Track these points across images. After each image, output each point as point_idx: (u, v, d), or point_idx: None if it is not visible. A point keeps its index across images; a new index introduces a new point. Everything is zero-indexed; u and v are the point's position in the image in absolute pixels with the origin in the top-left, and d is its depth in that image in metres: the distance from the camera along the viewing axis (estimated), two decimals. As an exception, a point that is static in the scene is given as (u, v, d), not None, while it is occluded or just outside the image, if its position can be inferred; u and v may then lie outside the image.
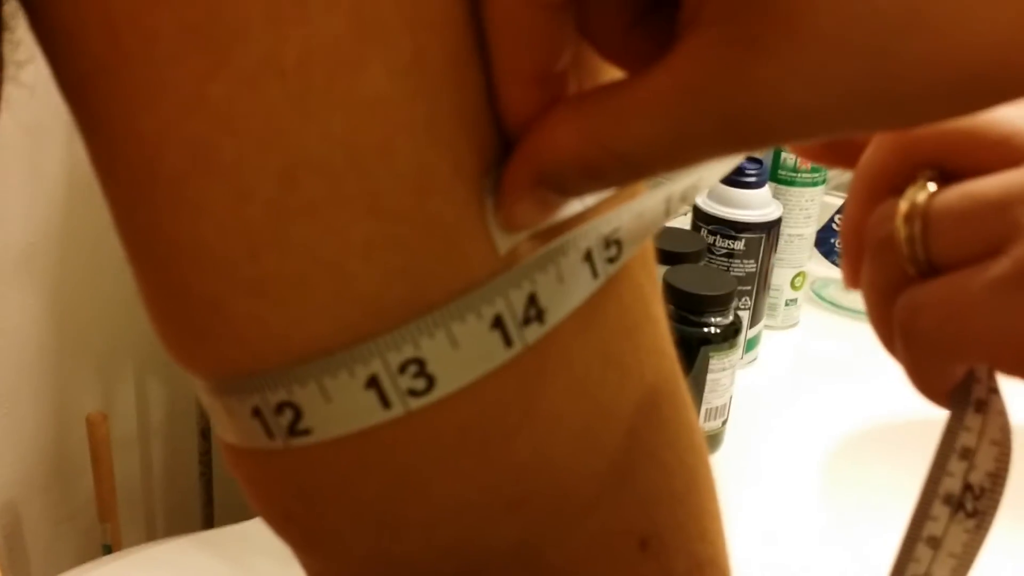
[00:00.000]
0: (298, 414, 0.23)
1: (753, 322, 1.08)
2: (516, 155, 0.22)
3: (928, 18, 0.18)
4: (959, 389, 0.24)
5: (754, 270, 1.05)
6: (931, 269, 0.23)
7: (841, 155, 0.27)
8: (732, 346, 0.90)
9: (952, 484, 0.24)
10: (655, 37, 0.22)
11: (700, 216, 1.06)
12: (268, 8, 0.20)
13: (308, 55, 0.20)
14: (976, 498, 0.24)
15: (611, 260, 0.24)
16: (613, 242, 0.24)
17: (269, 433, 0.23)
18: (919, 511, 0.24)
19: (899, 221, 0.23)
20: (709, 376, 0.90)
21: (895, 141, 0.24)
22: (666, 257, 0.95)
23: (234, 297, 0.22)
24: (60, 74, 0.22)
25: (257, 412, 0.23)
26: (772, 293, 1.13)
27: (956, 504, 0.24)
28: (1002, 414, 0.24)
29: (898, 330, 0.24)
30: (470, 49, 0.21)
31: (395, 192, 0.22)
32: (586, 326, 0.24)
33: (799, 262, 1.14)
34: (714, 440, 0.94)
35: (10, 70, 0.24)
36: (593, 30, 0.22)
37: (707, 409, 0.92)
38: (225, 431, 0.25)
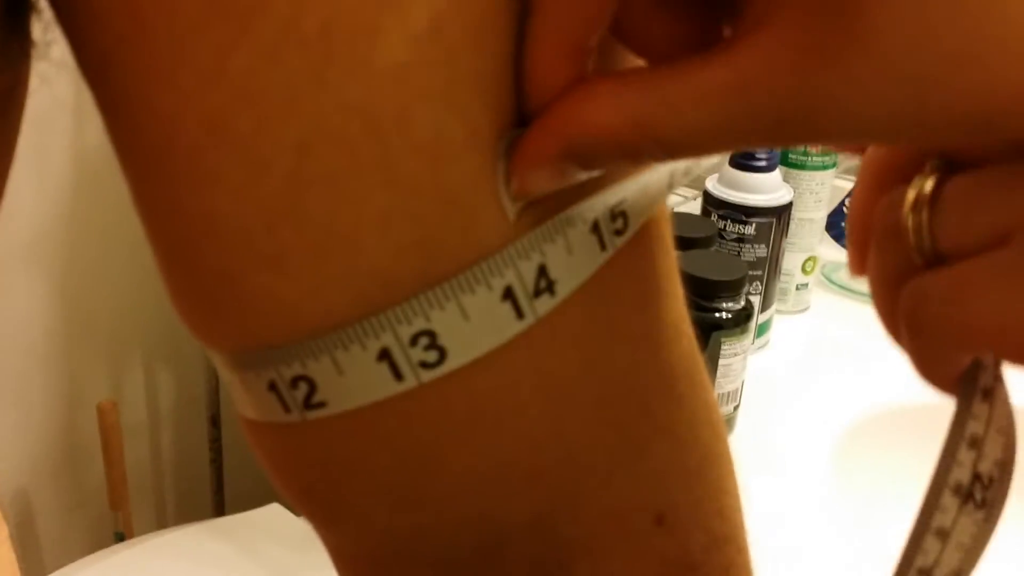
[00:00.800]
0: (313, 387, 0.23)
1: (764, 307, 1.07)
2: (543, 123, 0.22)
3: (985, 56, 0.19)
4: (965, 377, 0.24)
5: (765, 255, 1.05)
6: (937, 258, 0.23)
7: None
8: (744, 331, 0.90)
9: (961, 474, 0.23)
10: (681, 24, 0.22)
11: (710, 201, 1.06)
12: None
13: (328, 23, 0.20)
14: (985, 488, 0.23)
15: (618, 232, 0.24)
16: (619, 214, 0.24)
17: (285, 407, 0.24)
18: (928, 502, 0.24)
19: (906, 209, 0.23)
20: (721, 361, 0.90)
21: None
22: (677, 242, 0.94)
23: (250, 270, 0.22)
24: (80, 51, 0.23)
25: (273, 386, 0.23)
26: (783, 278, 1.12)
27: (965, 494, 0.23)
28: (1007, 403, 0.24)
29: (904, 319, 0.23)
30: (489, 16, 0.21)
31: (411, 162, 0.22)
32: (597, 300, 0.24)
33: (810, 246, 1.13)
34: (728, 424, 0.94)
35: (40, 49, 0.24)
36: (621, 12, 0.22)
37: (719, 394, 0.92)
38: (244, 406, 0.25)
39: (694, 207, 1.11)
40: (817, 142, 0.21)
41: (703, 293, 0.88)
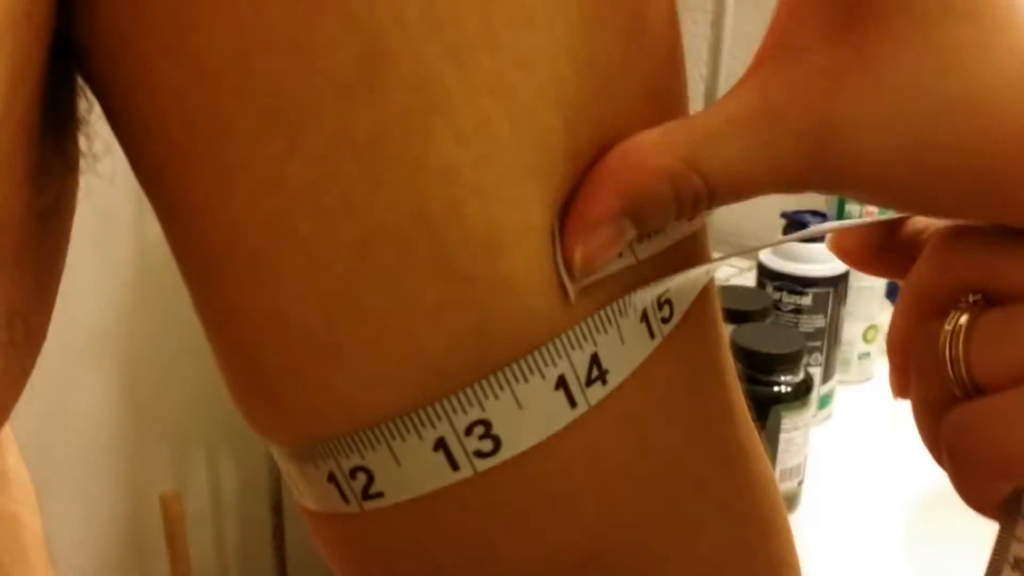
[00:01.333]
0: (371, 478, 0.23)
1: (826, 378, 1.06)
2: (595, 182, 0.23)
3: (985, 102, 0.21)
4: (1009, 500, 0.24)
5: (823, 325, 1.03)
6: (975, 389, 0.23)
7: (892, 267, 0.27)
8: (804, 404, 0.89)
9: None
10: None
11: (765, 273, 1.05)
12: (338, 88, 0.21)
13: (378, 129, 0.21)
14: None
15: (664, 320, 0.25)
16: (665, 302, 0.25)
17: (344, 497, 0.24)
18: None
19: (942, 342, 0.24)
20: (782, 435, 0.88)
21: (943, 260, 0.25)
22: (732, 316, 0.93)
23: (310, 365, 0.23)
24: (137, 161, 0.23)
25: (332, 477, 0.24)
26: (844, 347, 1.10)
27: None
28: None
29: (944, 449, 0.24)
30: (535, 113, 0.22)
31: (465, 254, 0.22)
32: (649, 383, 0.25)
33: (870, 314, 1.12)
34: (791, 501, 0.92)
35: (87, 161, 0.25)
36: None
37: (782, 470, 0.90)
38: (303, 496, 0.26)
39: (748, 279, 1.10)
40: (847, 181, 0.22)
41: (760, 366, 0.87)
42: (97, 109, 0.24)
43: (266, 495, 1.38)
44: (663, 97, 0.25)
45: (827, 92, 0.21)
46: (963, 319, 0.23)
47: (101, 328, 1.25)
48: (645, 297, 0.24)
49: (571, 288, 0.23)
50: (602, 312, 0.23)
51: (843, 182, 0.22)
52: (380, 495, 0.24)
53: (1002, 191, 0.21)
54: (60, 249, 0.26)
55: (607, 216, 0.22)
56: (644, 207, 0.22)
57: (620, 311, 0.24)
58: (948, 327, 0.24)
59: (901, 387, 0.27)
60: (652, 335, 0.24)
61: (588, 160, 0.23)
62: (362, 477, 0.24)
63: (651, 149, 0.22)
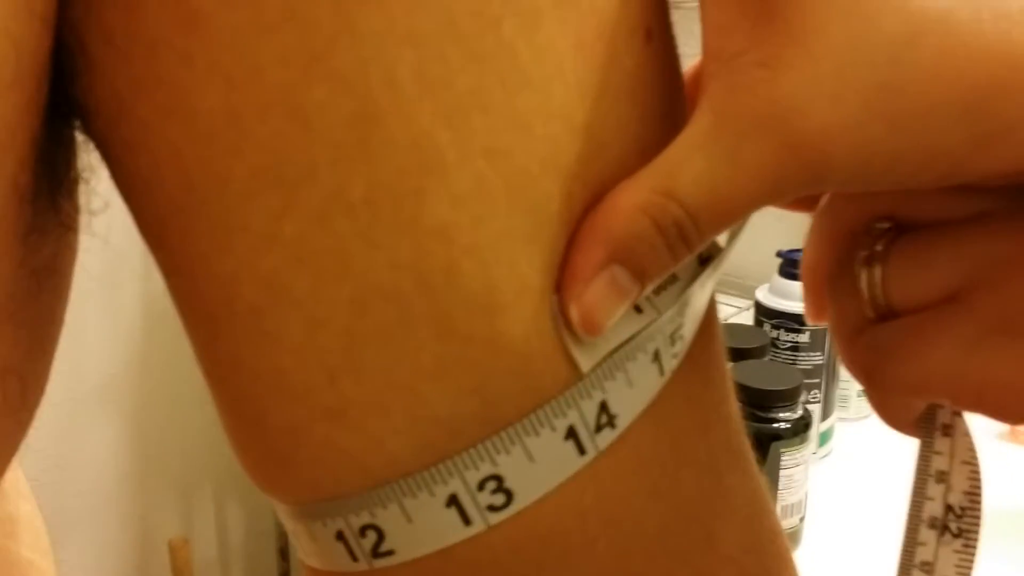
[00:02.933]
0: (381, 536, 0.23)
1: (825, 415, 1.06)
2: (581, 236, 0.22)
3: (930, 35, 0.20)
4: (924, 417, 0.25)
5: (821, 362, 1.04)
6: (890, 311, 0.24)
7: (801, 201, 0.27)
8: (803, 441, 0.89)
9: (934, 508, 0.25)
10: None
11: (762, 311, 1.06)
12: (333, 148, 0.21)
13: (373, 189, 0.21)
14: (958, 517, 0.24)
15: (675, 356, 0.24)
16: (678, 338, 0.24)
17: (353, 556, 0.24)
18: (908, 539, 0.25)
19: (858, 266, 0.24)
20: (782, 472, 0.89)
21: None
22: (730, 354, 0.94)
23: (313, 423, 0.23)
24: (139, 217, 0.23)
25: (341, 536, 0.23)
26: (842, 384, 1.11)
27: (941, 526, 0.24)
28: (967, 435, 0.25)
29: (861, 369, 0.25)
30: (529, 176, 0.22)
31: (463, 313, 0.22)
32: (659, 427, 0.24)
33: (868, 352, 1.12)
34: (792, 537, 0.92)
35: (84, 217, 0.25)
36: None
37: (783, 506, 0.90)
38: (308, 555, 0.25)
39: (746, 318, 1.11)
40: (820, 166, 0.21)
41: (759, 403, 0.88)
42: (99, 167, 0.24)
43: (273, 540, 1.39)
44: (660, 152, 0.24)
45: (768, 80, 0.21)
46: (879, 245, 0.24)
47: (109, 376, 1.26)
48: (656, 337, 0.24)
49: (582, 362, 0.23)
50: (610, 360, 0.23)
51: (824, 169, 0.21)
52: (391, 553, 0.23)
53: (991, 110, 0.20)
54: (57, 306, 0.26)
55: (594, 267, 0.22)
56: (629, 249, 0.22)
57: (629, 356, 0.23)
58: (864, 253, 0.24)
59: (816, 312, 0.28)
60: (662, 372, 0.24)
61: (580, 223, 0.23)
62: (372, 535, 0.23)
63: (621, 190, 0.22)
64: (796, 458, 0.89)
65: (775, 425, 0.88)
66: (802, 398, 0.90)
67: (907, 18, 0.20)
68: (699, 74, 0.26)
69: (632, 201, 0.22)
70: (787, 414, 0.88)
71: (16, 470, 0.42)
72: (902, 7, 0.20)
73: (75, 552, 1.27)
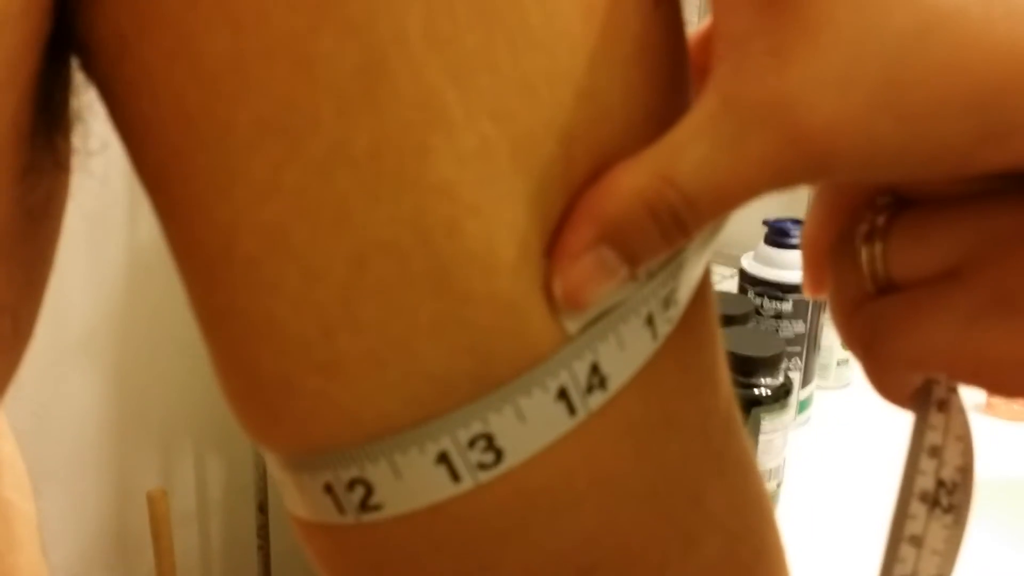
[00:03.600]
0: (369, 490, 0.23)
1: (805, 383, 1.07)
2: (574, 213, 0.22)
3: (941, 29, 0.20)
4: (920, 391, 0.25)
5: (803, 331, 1.05)
6: (890, 286, 0.24)
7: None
8: (783, 407, 0.90)
9: (925, 482, 0.25)
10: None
11: (747, 278, 1.07)
12: (338, 99, 0.21)
13: (377, 143, 0.21)
14: (950, 493, 0.25)
15: (669, 320, 0.24)
16: (672, 303, 0.24)
17: (340, 509, 0.24)
18: (898, 512, 0.25)
19: (859, 240, 0.25)
20: (761, 437, 0.90)
21: None
22: (714, 320, 0.95)
23: (306, 376, 0.23)
24: (138, 161, 0.23)
25: (329, 488, 0.24)
26: (823, 353, 1.12)
27: (932, 501, 0.25)
28: (962, 411, 0.25)
29: (858, 342, 0.25)
30: (535, 138, 0.22)
31: (463, 272, 0.22)
32: (649, 390, 0.24)
33: (849, 321, 1.13)
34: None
35: (79, 159, 0.25)
36: None
37: (761, 471, 0.91)
38: (295, 506, 0.25)
39: (731, 285, 1.12)
40: (817, 162, 0.21)
41: (742, 369, 0.89)
42: (96, 107, 0.24)
43: (252, 494, 1.39)
44: (667, 118, 0.24)
45: (775, 68, 0.21)
46: (880, 219, 0.24)
47: (90, 327, 1.26)
48: (650, 300, 0.24)
49: (569, 326, 0.23)
50: (603, 321, 0.23)
51: (828, 162, 0.21)
52: (378, 507, 0.23)
53: (999, 106, 0.20)
54: (50, 246, 0.26)
55: (583, 245, 0.22)
56: (620, 232, 0.22)
57: (621, 318, 0.23)
58: (865, 227, 0.24)
59: (814, 285, 0.28)
60: (655, 336, 0.24)
61: (583, 190, 0.23)
62: (360, 489, 0.23)
63: (620, 171, 0.22)
64: (776, 424, 0.90)
65: (756, 391, 0.89)
66: (784, 365, 0.91)
67: (917, 12, 0.20)
68: (703, 41, 0.26)
69: (629, 184, 0.22)
70: (769, 380, 0.89)
71: None
72: (913, 1, 0.20)
73: (53, 502, 1.27)
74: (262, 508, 1.39)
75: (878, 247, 0.24)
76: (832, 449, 1.05)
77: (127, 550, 1.36)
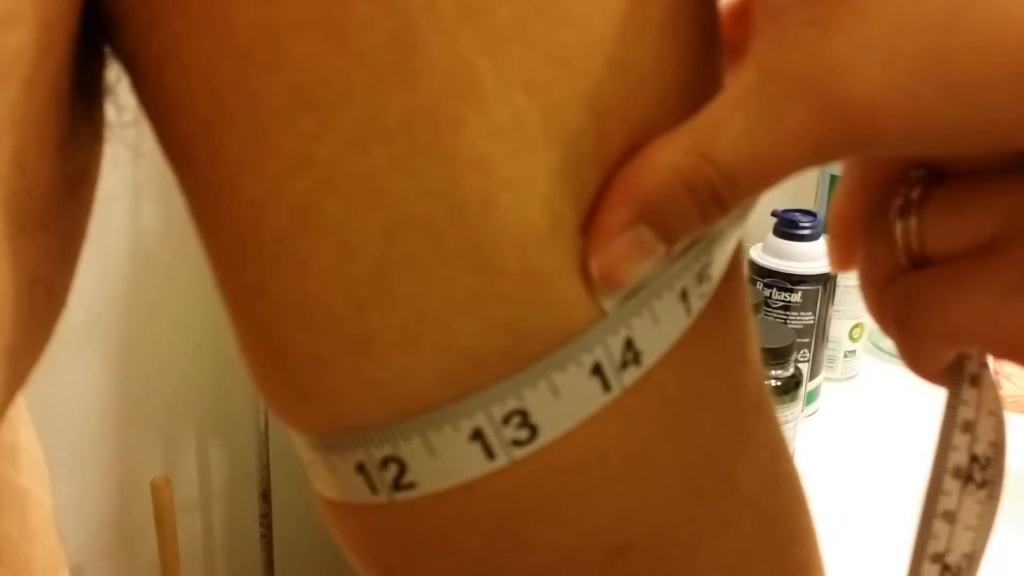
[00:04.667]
0: (403, 468, 0.23)
1: (813, 374, 1.07)
2: (610, 191, 0.22)
3: None
4: (953, 366, 0.25)
5: (812, 322, 1.04)
6: (925, 261, 0.24)
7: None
8: (793, 399, 0.90)
9: (959, 457, 0.25)
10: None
11: (755, 270, 1.06)
12: (370, 72, 0.20)
13: (409, 115, 0.21)
14: (983, 468, 0.24)
15: (702, 296, 0.24)
16: (706, 278, 0.24)
17: (373, 488, 0.24)
18: (931, 488, 0.25)
19: (894, 214, 0.24)
20: (770, 430, 0.89)
21: None
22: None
23: (339, 353, 0.22)
24: (165, 137, 0.23)
25: (361, 467, 0.23)
26: (830, 345, 1.12)
27: (965, 476, 0.24)
28: (993, 387, 0.25)
29: (892, 317, 0.24)
30: (568, 110, 0.22)
31: (497, 246, 0.22)
32: (683, 367, 0.24)
33: (857, 313, 1.13)
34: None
35: (114, 131, 0.25)
36: None
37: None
38: (325, 486, 0.25)
39: (739, 276, 1.11)
40: (862, 135, 0.21)
41: (750, 362, 0.88)
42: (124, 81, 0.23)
43: (255, 482, 1.39)
44: (700, 91, 0.24)
45: (817, 40, 0.20)
46: (915, 193, 0.24)
47: (94, 315, 1.25)
48: (684, 275, 0.23)
49: (604, 301, 0.23)
50: (637, 297, 0.23)
51: (871, 135, 0.21)
52: (412, 486, 0.23)
53: None
54: (84, 218, 0.25)
55: (620, 225, 0.22)
56: (658, 210, 0.22)
57: (655, 293, 0.23)
58: (899, 201, 0.24)
59: (841, 259, 0.28)
60: (689, 312, 0.24)
61: (617, 163, 0.22)
62: (393, 467, 0.23)
63: (656, 147, 0.22)
64: (785, 416, 0.90)
65: (766, 382, 0.88)
66: (793, 356, 0.90)
67: None
68: (737, 15, 0.26)
69: (665, 160, 0.22)
70: (779, 372, 0.89)
71: (18, 397, 0.42)
72: None
73: (57, 491, 1.26)
74: (265, 496, 1.39)
75: (913, 221, 0.24)
76: (840, 440, 1.05)
77: (130, 538, 1.36)
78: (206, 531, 1.45)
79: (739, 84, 0.21)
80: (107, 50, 0.23)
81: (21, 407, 0.43)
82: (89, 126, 0.24)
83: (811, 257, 1.04)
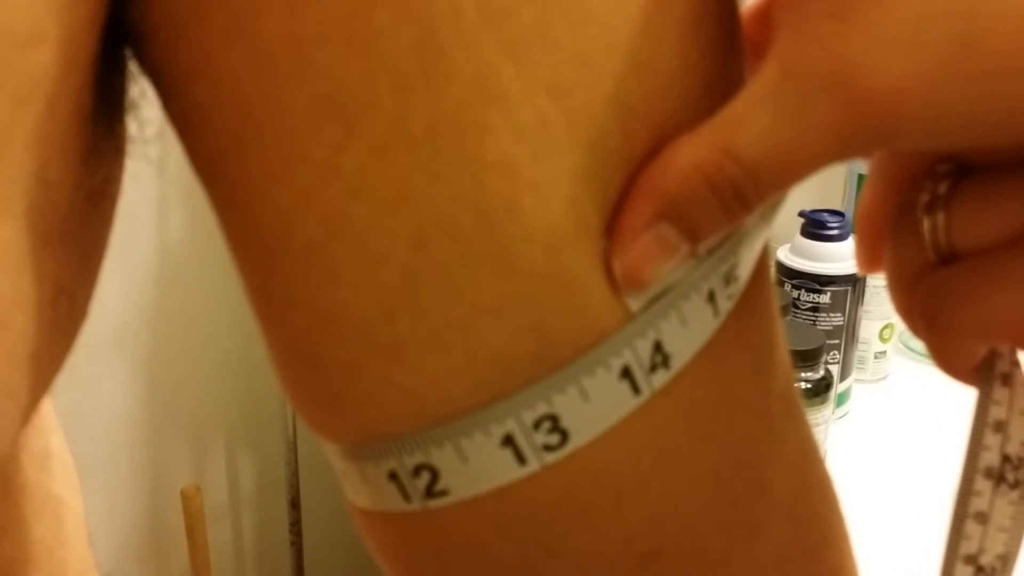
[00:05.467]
0: (435, 476, 0.23)
1: (843, 376, 1.06)
2: (634, 189, 0.22)
3: None
4: (984, 365, 0.25)
5: (841, 323, 1.04)
6: (952, 256, 0.24)
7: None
8: (824, 401, 0.89)
9: (990, 457, 0.24)
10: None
11: (783, 271, 1.05)
12: (395, 78, 0.20)
13: (435, 121, 0.21)
14: (1015, 468, 0.24)
15: (730, 297, 0.24)
16: (733, 278, 0.24)
17: (406, 496, 0.24)
18: (963, 488, 0.24)
19: (921, 210, 0.24)
20: (800, 432, 0.88)
21: None
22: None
23: (370, 361, 0.22)
24: (193, 151, 0.23)
25: (394, 476, 0.23)
26: (860, 346, 1.11)
27: (997, 476, 0.24)
28: None
29: (921, 314, 0.24)
30: (591, 111, 0.22)
31: (524, 250, 0.22)
32: (713, 369, 0.24)
33: (886, 314, 1.12)
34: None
35: (137, 146, 0.25)
36: None
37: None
38: (359, 496, 0.25)
39: (767, 277, 1.10)
40: (887, 126, 0.20)
41: (780, 364, 0.87)
42: (149, 95, 0.24)
43: (284, 490, 1.39)
44: (724, 90, 0.24)
45: (839, 33, 0.20)
46: (943, 187, 0.24)
47: (122, 324, 1.26)
48: (711, 277, 0.23)
49: (631, 303, 0.22)
50: (664, 299, 0.23)
51: (895, 127, 0.20)
52: (445, 493, 0.23)
53: None
54: (105, 229, 0.26)
55: (643, 223, 0.22)
56: (680, 208, 0.22)
57: (683, 295, 0.23)
58: (927, 196, 0.24)
59: (870, 259, 0.27)
60: (717, 313, 0.24)
61: (642, 163, 0.22)
62: (426, 475, 0.23)
63: (678, 145, 0.22)
64: (817, 418, 0.89)
65: (796, 385, 0.88)
66: (824, 358, 0.90)
67: None
68: (759, 16, 0.26)
69: (688, 158, 0.22)
70: (809, 374, 0.88)
71: (47, 404, 0.42)
72: None
73: (87, 499, 1.27)
74: (294, 503, 1.39)
75: (940, 216, 0.23)
76: (872, 442, 1.04)
77: (161, 546, 1.36)
78: (236, 538, 1.46)
79: (761, 81, 0.21)
80: (129, 66, 0.23)
81: (50, 414, 0.44)
82: (111, 141, 0.24)
83: (839, 257, 1.03)
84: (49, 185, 0.21)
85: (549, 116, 0.21)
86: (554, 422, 0.22)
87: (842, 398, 1.07)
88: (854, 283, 1.03)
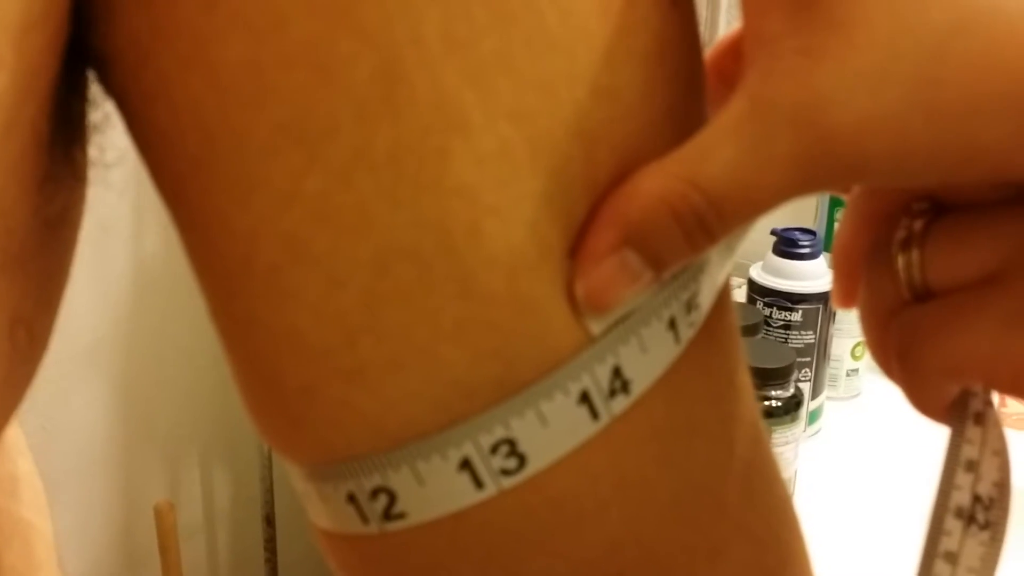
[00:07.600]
0: (392, 498, 0.23)
1: (815, 393, 1.06)
2: (597, 216, 0.22)
3: (977, 25, 0.19)
4: (957, 404, 0.25)
5: (813, 341, 1.04)
6: (927, 293, 0.24)
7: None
8: (794, 419, 0.89)
9: (961, 497, 0.24)
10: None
11: (755, 289, 1.06)
12: (357, 104, 0.21)
13: (396, 147, 0.21)
14: (986, 508, 0.24)
15: (691, 324, 0.24)
16: (694, 307, 0.24)
17: (364, 518, 0.24)
18: (933, 527, 0.24)
19: (896, 247, 0.24)
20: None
21: None
22: (723, 331, 0.94)
23: (329, 384, 0.23)
24: (156, 173, 0.23)
25: (352, 498, 0.23)
26: (832, 364, 1.12)
27: (968, 517, 0.24)
28: (998, 425, 0.25)
29: (895, 351, 0.24)
30: (554, 137, 0.22)
31: (485, 274, 0.22)
32: (672, 395, 0.24)
33: (858, 332, 1.12)
34: (780, 515, 0.93)
35: (97, 171, 0.25)
36: None
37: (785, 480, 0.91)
38: (319, 516, 0.25)
39: (739, 295, 1.11)
40: (849, 163, 0.21)
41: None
42: (113, 118, 0.24)
43: (259, 506, 1.39)
44: (687, 118, 0.24)
45: (806, 68, 0.20)
46: (917, 225, 0.24)
47: (96, 339, 1.26)
48: (671, 304, 0.23)
49: (593, 326, 0.23)
50: (624, 324, 0.23)
51: (859, 164, 0.21)
52: (402, 516, 0.23)
53: None
54: (66, 258, 0.25)
55: (606, 248, 0.22)
56: (645, 235, 0.22)
57: (643, 321, 0.23)
58: (902, 233, 0.24)
59: (845, 295, 0.27)
60: (678, 340, 0.24)
61: (606, 189, 0.22)
62: (383, 498, 0.23)
63: (644, 174, 0.22)
64: (787, 436, 0.89)
65: (766, 403, 0.88)
66: (794, 376, 0.90)
67: (953, 9, 0.20)
68: (729, 48, 0.26)
69: (653, 186, 0.22)
70: (779, 392, 0.89)
71: (15, 427, 0.42)
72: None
73: (60, 514, 1.26)
74: (269, 520, 1.39)
75: (915, 254, 0.24)
76: (843, 461, 1.04)
77: (134, 563, 1.35)
78: (210, 555, 1.45)
79: (728, 113, 0.21)
80: (90, 91, 0.23)
81: (19, 438, 0.43)
82: (70, 167, 0.24)
83: (811, 276, 1.04)
84: (3, 213, 0.21)
85: (511, 142, 0.21)
86: (512, 446, 0.22)
87: (814, 416, 1.07)
88: (826, 301, 1.04)
